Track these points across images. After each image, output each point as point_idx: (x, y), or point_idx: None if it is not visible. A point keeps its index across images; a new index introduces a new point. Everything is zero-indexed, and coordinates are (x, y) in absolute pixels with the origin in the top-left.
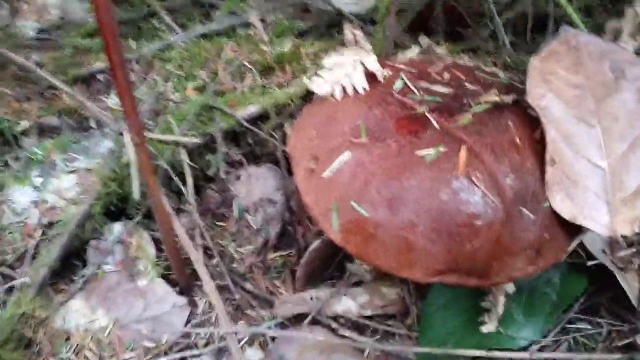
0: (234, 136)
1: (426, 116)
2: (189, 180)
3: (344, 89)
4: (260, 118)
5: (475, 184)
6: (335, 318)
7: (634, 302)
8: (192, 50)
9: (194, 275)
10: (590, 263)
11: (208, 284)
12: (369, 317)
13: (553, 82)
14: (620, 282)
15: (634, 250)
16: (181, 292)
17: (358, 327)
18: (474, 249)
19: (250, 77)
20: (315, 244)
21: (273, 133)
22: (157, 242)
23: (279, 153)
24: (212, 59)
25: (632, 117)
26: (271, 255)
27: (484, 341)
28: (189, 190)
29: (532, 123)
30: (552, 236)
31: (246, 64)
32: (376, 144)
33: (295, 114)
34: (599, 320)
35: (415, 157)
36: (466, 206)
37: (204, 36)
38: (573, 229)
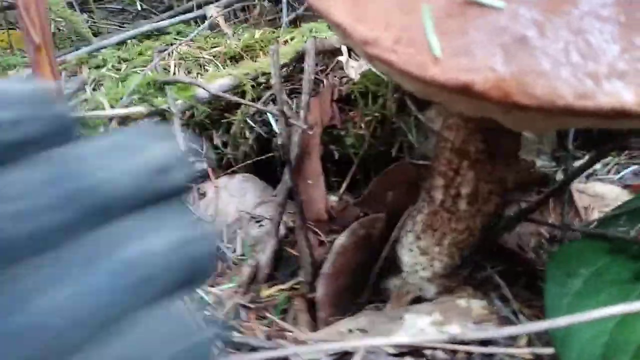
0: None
1: None
2: None
3: None
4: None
5: None
6: (401, 354)
7: None
8: (131, 50)
9: None
10: None
11: None
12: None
13: None
14: None
15: None
16: None
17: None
18: None
19: (212, 68)
20: (341, 240)
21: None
22: None
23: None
24: (161, 57)
25: None
26: (266, 291)
27: None
28: None
29: None
30: None
31: (206, 56)
32: None
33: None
34: None
35: None
36: None
37: (148, 37)
38: None
